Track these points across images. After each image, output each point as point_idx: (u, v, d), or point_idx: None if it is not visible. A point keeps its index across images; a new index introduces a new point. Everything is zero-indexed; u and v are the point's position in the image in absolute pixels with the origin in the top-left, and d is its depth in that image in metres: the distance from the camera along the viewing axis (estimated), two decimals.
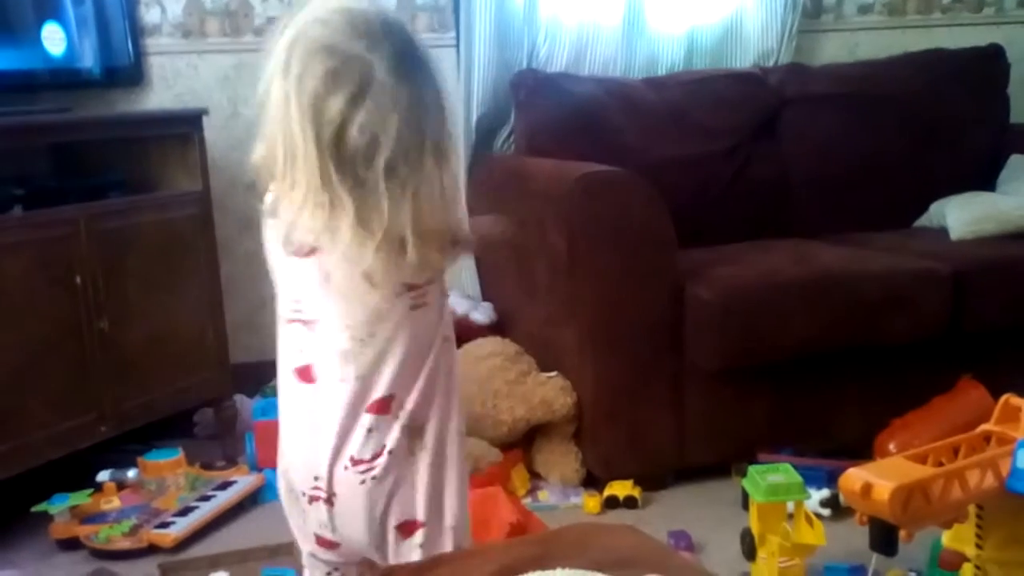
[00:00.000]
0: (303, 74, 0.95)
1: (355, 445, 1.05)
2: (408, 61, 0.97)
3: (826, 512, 1.82)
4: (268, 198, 1.03)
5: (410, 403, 1.06)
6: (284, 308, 1.08)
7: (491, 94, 2.56)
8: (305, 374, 1.07)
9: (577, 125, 2.40)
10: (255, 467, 2.16)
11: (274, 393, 2.31)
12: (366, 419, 1.05)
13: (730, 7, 2.72)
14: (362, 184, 0.95)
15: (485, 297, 2.55)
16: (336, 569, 1.16)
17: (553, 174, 2.11)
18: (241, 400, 2.41)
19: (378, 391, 1.05)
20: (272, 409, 2.19)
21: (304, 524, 1.13)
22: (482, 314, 2.41)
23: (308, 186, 0.96)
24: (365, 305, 1.01)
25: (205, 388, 2.29)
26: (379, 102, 0.94)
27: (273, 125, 0.97)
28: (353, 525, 1.08)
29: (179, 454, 2.08)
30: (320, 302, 1.04)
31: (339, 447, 1.05)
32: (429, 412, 1.08)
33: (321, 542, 1.12)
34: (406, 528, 1.09)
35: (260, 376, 2.47)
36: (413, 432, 1.07)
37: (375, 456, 1.05)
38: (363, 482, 1.06)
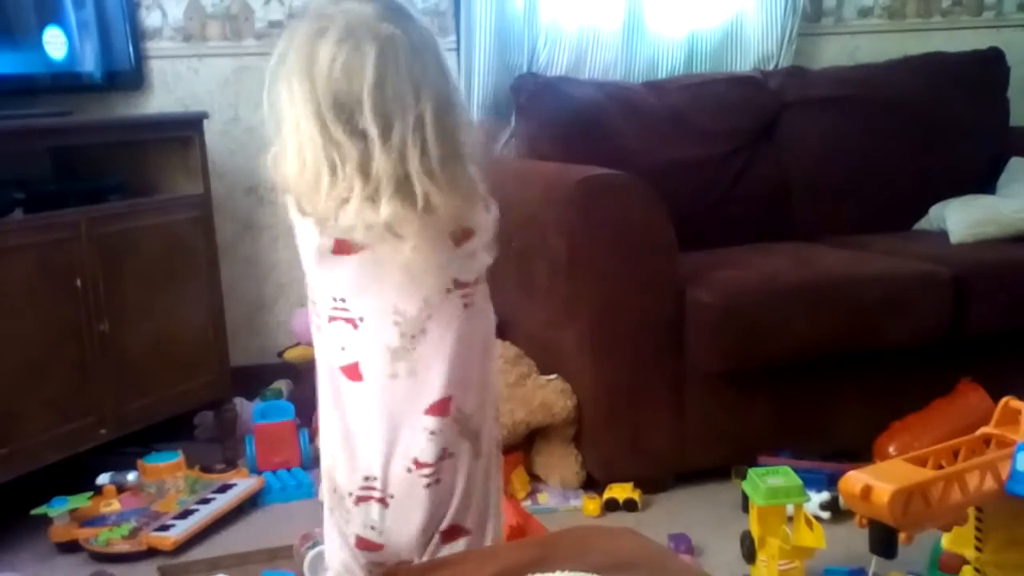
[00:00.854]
0: (292, 41, 0.96)
1: (417, 447, 1.04)
2: (392, 10, 0.97)
3: (826, 515, 1.82)
4: (290, 200, 1.01)
5: (468, 407, 1.05)
6: (324, 307, 1.06)
7: (491, 98, 2.57)
8: (351, 372, 1.05)
9: (577, 129, 2.40)
10: (255, 470, 2.16)
11: (274, 396, 2.35)
12: (427, 421, 1.04)
13: (730, 11, 2.73)
14: (358, 129, 0.94)
15: None
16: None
17: (554, 177, 2.11)
18: (241, 403, 2.41)
19: (435, 392, 1.03)
20: (271, 412, 2.21)
21: (346, 525, 1.10)
22: None
23: (316, 153, 0.94)
24: (413, 293, 1.00)
25: (205, 391, 2.29)
26: (360, 39, 0.94)
27: (274, 115, 0.97)
28: (406, 528, 1.07)
29: (179, 457, 2.08)
30: (366, 298, 1.03)
31: (391, 446, 1.04)
32: (484, 418, 1.08)
33: (362, 544, 1.09)
34: (451, 533, 1.08)
35: (260, 379, 2.48)
36: (472, 437, 1.06)
37: (439, 459, 1.04)
38: (428, 485, 1.04)
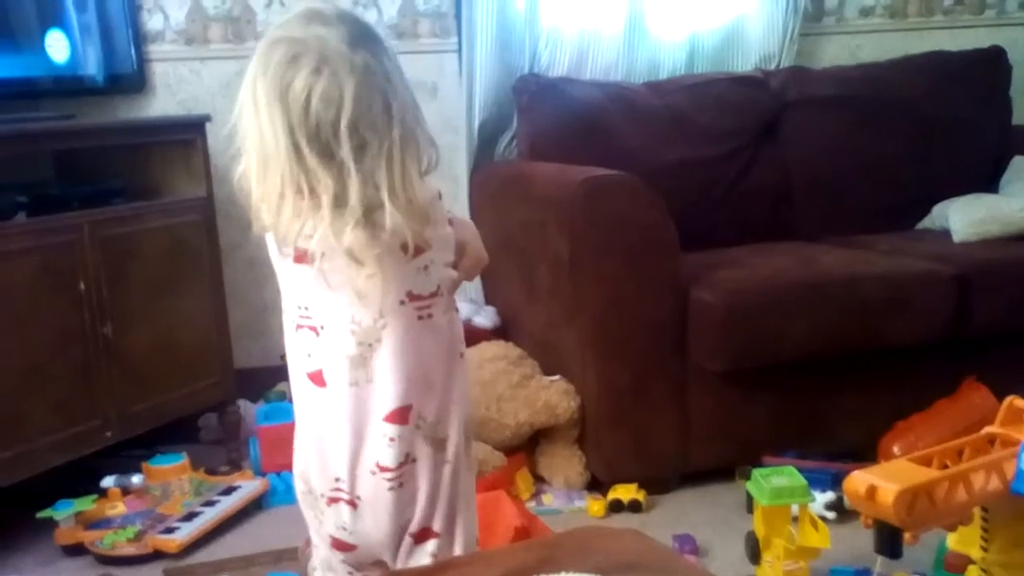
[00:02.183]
0: (266, 67, 0.97)
1: (379, 452, 1.07)
2: (362, 36, 0.99)
3: (831, 515, 1.82)
4: (259, 213, 1.03)
5: (430, 415, 1.09)
6: (291, 314, 1.10)
7: (493, 99, 2.57)
8: (316, 379, 1.09)
9: (579, 130, 2.40)
10: (259, 472, 2.16)
11: (277, 398, 2.35)
12: (387, 428, 1.07)
13: (731, 11, 2.73)
14: (333, 157, 0.96)
15: (488, 301, 2.56)
16: (350, 574, 1.18)
17: (555, 178, 2.11)
18: (245, 405, 2.41)
19: (393, 400, 1.07)
20: (275, 414, 2.21)
21: (320, 526, 1.15)
22: (485, 318, 2.41)
23: (284, 175, 0.96)
24: (368, 304, 1.02)
25: (209, 393, 2.29)
26: (336, 69, 0.96)
27: (247, 131, 0.99)
28: (375, 528, 1.11)
29: (183, 459, 2.08)
30: (325, 307, 1.06)
31: (357, 450, 1.08)
32: (449, 426, 1.11)
33: (336, 544, 1.14)
34: (421, 535, 1.12)
35: (263, 381, 2.48)
36: (436, 444, 1.10)
37: (401, 464, 1.08)
38: (390, 488, 1.08)
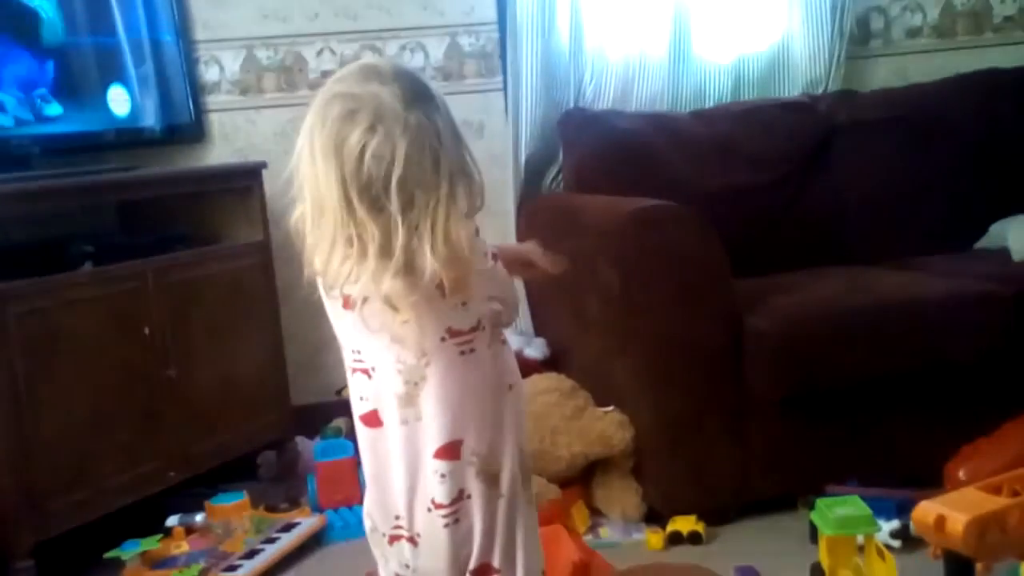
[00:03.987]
0: (323, 121, 1.01)
1: (432, 489, 1.10)
2: (416, 94, 1.02)
3: (897, 544, 1.77)
4: (311, 258, 1.06)
5: (481, 449, 1.10)
6: (347, 359, 1.14)
7: (539, 134, 2.60)
8: (371, 420, 1.12)
9: (625, 161, 2.42)
10: (317, 508, 2.18)
11: (334, 434, 2.38)
12: (438, 464, 1.09)
13: (776, 35, 2.73)
14: (383, 211, 0.99)
15: (538, 333, 2.56)
16: None
17: (604, 209, 2.13)
18: (302, 442, 2.45)
19: (442, 436, 1.09)
20: (332, 450, 2.24)
21: (386, 564, 1.18)
22: (535, 350, 2.42)
23: (335, 224, 1.00)
24: (409, 345, 1.05)
25: (268, 431, 2.34)
26: (389, 128, 0.99)
27: (303, 179, 1.03)
28: (435, 566, 1.12)
29: (244, 497, 2.11)
30: (374, 349, 1.09)
31: (412, 488, 1.10)
32: (502, 459, 1.12)
33: None
34: (481, 571, 1.13)
35: (320, 417, 2.52)
36: (489, 478, 1.11)
37: (455, 500, 1.10)
38: (446, 525, 1.10)
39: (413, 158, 0.99)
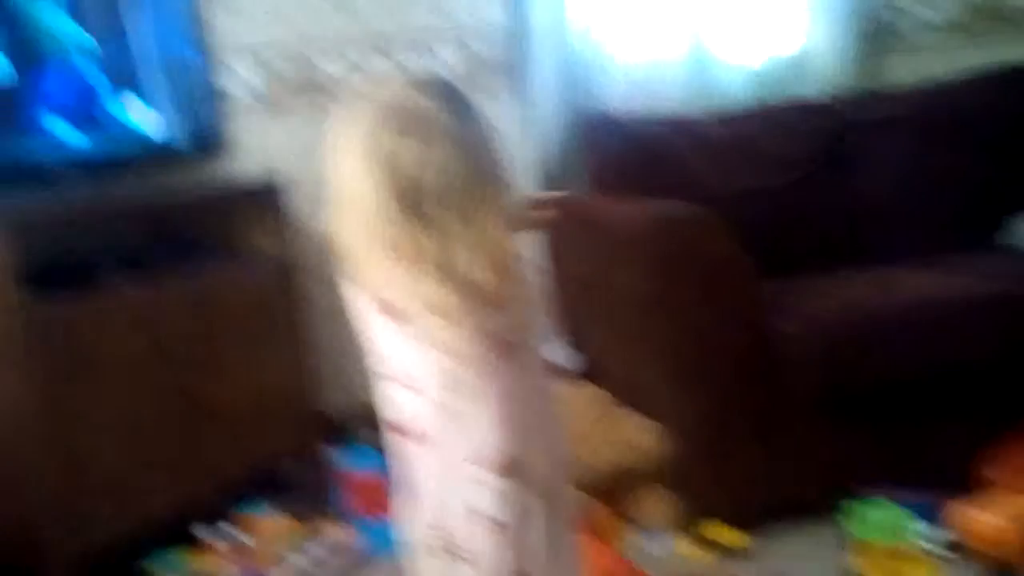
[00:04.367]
0: (365, 130, 1.01)
1: (472, 499, 1.08)
2: (454, 102, 1.04)
3: (933, 548, 1.76)
4: (345, 264, 1.07)
5: (523, 460, 1.09)
6: (376, 365, 1.12)
7: (558, 139, 2.60)
8: (404, 429, 1.11)
9: (645, 164, 2.41)
10: (346, 519, 2.19)
11: (360, 444, 2.38)
12: (478, 474, 1.08)
13: (795, 37, 2.72)
14: (422, 218, 1.00)
15: (566, 341, 2.56)
16: None
17: (626, 215, 2.12)
18: (329, 452, 2.45)
19: (484, 447, 1.07)
20: (360, 460, 2.24)
21: None
22: (563, 358, 2.42)
23: (373, 230, 1.01)
24: (452, 354, 1.04)
25: (294, 441, 2.35)
26: (429, 135, 1.00)
27: (341, 187, 1.03)
28: None
29: (275, 509, 2.12)
30: (409, 356, 1.08)
31: (450, 498, 1.09)
32: (544, 469, 1.11)
33: None
34: None
35: (347, 428, 2.52)
36: (531, 488, 1.10)
37: (497, 512, 1.08)
38: (489, 538, 1.08)
39: (456, 167, 1.00)
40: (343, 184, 1.03)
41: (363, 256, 1.02)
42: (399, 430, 1.12)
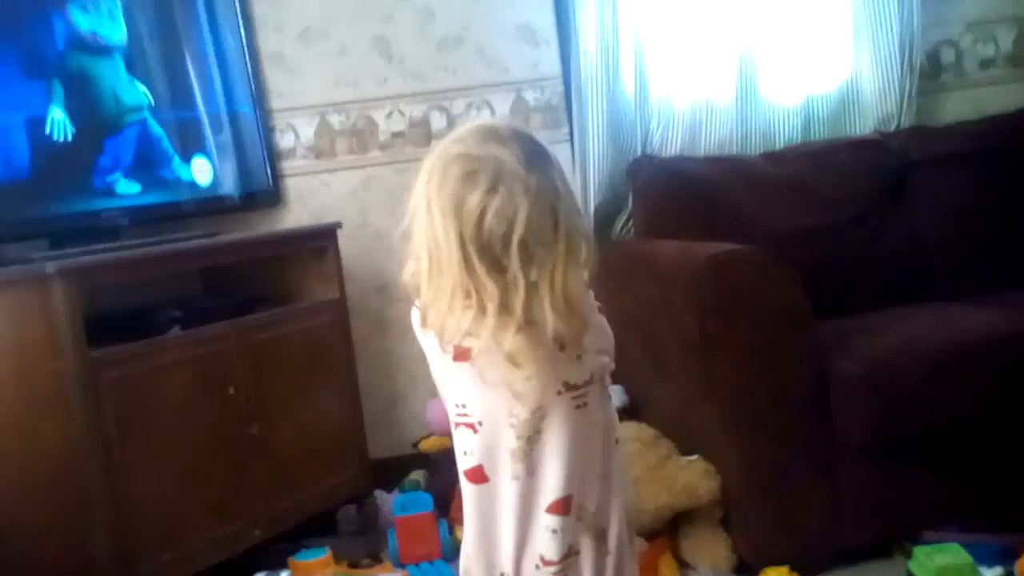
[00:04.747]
0: (443, 181, 1.03)
1: (542, 545, 1.08)
2: (534, 155, 1.04)
3: None
4: (416, 312, 1.08)
5: (590, 505, 1.09)
6: (451, 412, 1.13)
7: (607, 183, 2.61)
8: (475, 475, 1.11)
9: (697, 206, 2.41)
10: (398, 563, 2.18)
11: (412, 487, 2.39)
12: (548, 519, 1.08)
13: (845, 73, 2.71)
14: (503, 270, 1.01)
15: (616, 381, 2.54)
16: None
17: (679, 255, 2.11)
18: (381, 496, 2.46)
19: (554, 491, 1.08)
20: (411, 504, 2.23)
21: None
22: (614, 398, 2.39)
23: (454, 281, 1.01)
24: (522, 398, 1.05)
25: (347, 485, 2.36)
26: (511, 189, 1.01)
27: (418, 238, 1.04)
28: None
29: (327, 553, 2.12)
30: (483, 403, 1.09)
31: (521, 544, 1.09)
32: (610, 515, 1.11)
33: None
34: None
35: (398, 470, 2.53)
36: (598, 534, 1.10)
37: (564, 557, 1.08)
38: (544, 574, 1.08)
39: (534, 218, 1.01)
40: (421, 236, 1.04)
41: (444, 304, 1.03)
42: (469, 475, 1.12)
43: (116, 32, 2.23)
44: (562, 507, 1.07)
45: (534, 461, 1.07)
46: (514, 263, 1.00)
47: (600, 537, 1.10)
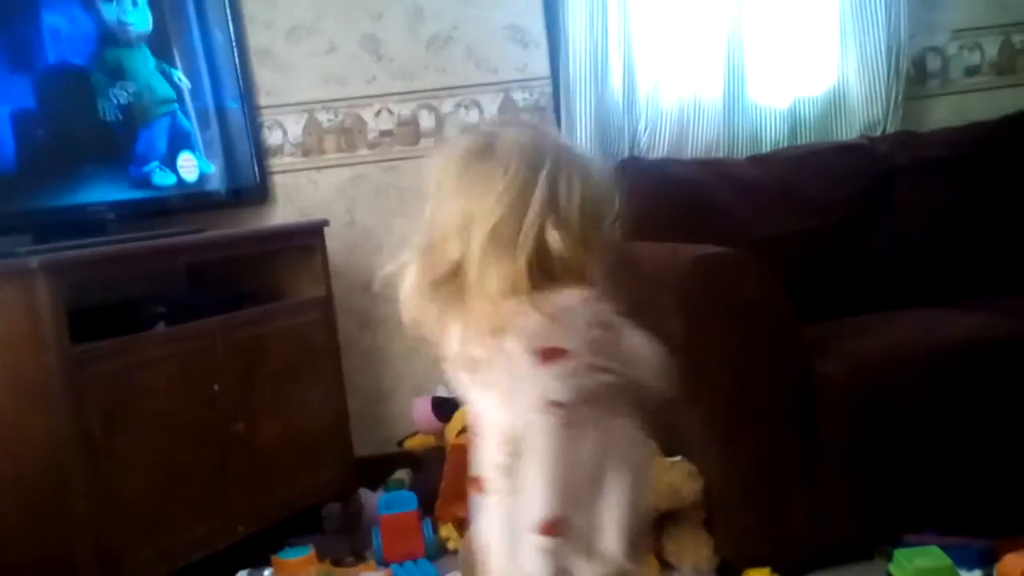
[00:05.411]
0: (513, 168, 1.03)
1: (530, 565, 1.06)
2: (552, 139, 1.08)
3: None
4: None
5: (581, 525, 1.06)
6: (471, 423, 1.14)
7: None
8: (476, 485, 1.11)
9: (683, 207, 2.41)
10: (382, 562, 2.18)
11: (396, 486, 2.39)
12: (536, 540, 1.05)
13: (832, 78, 2.72)
14: (465, 278, 1.01)
15: None
16: None
17: (665, 258, 2.12)
18: (366, 494, 2.45)
19: (540, 510, 1.05)
20: (396, 503, 2.23)
21: None
22: None
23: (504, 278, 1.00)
24: (510, 414, 1.04)
25: (332, 483, 2.36)
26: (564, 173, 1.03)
27: (449, 237, 1.03)
28: None
29: (310, 551, 2.12)
30: (482, 415, 1.09)
31: (512, 560, 1.07)
32: (603, 536, 1.07)
33: None
34: None
35: (382, 469, 2.53)
36: (589, 555, 1.07)
37: (541, 571, 1.05)
38: None
39: (504, 230, 1.01)
40: (445, 229, 1.03)
41: (450, 301, 1.03)
42: (471, 484, 1.11)
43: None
44: (550, 528, 1.04)
45: (519, 479, 1.05)
46: (474, 275, 1.01)
47: (591, 558, 1.06)
